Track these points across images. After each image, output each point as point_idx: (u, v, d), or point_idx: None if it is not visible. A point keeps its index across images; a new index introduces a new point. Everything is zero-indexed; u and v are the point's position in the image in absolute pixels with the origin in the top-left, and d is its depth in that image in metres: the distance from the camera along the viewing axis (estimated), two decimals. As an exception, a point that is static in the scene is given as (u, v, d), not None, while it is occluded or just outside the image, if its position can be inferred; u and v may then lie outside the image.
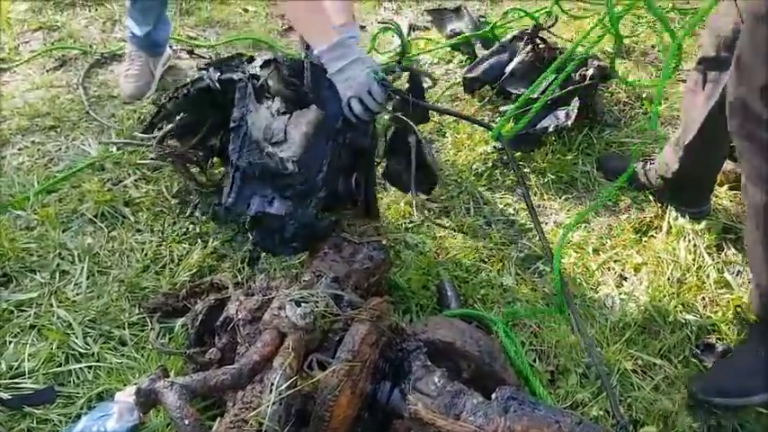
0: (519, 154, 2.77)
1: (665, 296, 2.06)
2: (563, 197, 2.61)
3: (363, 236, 1.85)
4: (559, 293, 1.93)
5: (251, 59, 1.98)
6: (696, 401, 1.77)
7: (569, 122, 2.67)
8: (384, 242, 1.85)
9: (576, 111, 2.68)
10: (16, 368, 1.80)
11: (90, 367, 1.84)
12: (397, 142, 2.02)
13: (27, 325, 1.94)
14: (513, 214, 2.53)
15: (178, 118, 2.24)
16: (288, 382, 1.33)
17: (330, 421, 1.41)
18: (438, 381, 1.50)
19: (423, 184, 2.09)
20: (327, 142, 1.82)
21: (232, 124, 1.82)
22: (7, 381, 1.76)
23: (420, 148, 1.95)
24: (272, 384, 1.32)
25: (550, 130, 2.68)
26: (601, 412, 1.75)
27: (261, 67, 1.90)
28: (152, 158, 2.53)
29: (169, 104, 2.28)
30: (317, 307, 1.47)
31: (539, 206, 2.57)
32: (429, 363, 1.54)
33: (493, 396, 1.47)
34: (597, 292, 2.15)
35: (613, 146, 2.82)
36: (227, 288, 1.84)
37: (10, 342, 1.87)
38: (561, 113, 2.70)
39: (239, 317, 1.58)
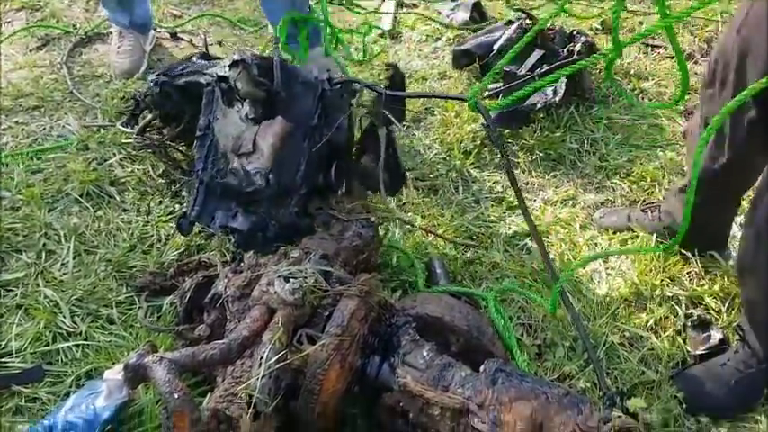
0: (507, 132, 2.77)
1: (651, 270, 2.08)
2: (551, 174, 2.61)
3: (352, 213, 1.84)
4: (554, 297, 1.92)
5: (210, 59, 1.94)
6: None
7: (557, 99, 2.67)
8: (373, 219, 1.85)
9: (563, 87, 2.68)
10: (3, 347, 1.79)
11: (78, 346, 1.83)
12: (368, 140, 1.99)
13: (14, 305, 1.92)
14: (502, 192, 2.53)
15: (158, 110, 2.23)
16: (277, 356, 1.33)
17: (320, 394, 1.42)
18: (427, 354, 1.51)
19: (392, 183, 2.06)
20: (304, 140, 1.79)
21: (198, 133, 1.78)
22: (-6, 360, 1.75)
23: (392, 144, 1.94)
24: (262, 358, 1.32)
25: (538, 106, 2.68)
26: (588, 384, 1.77)
27: (229, 67, 1.82)
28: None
29: (146, 99, 2.28)
30: (306, 282, 1.46)
31: (527, 183, 2.57)
32: (418, 337, 1.55)
33: (481, 368, 1.49)
34: (584, 268, 2.17)
35: (601, 122, 2.82)
36: (215, 266, 1.84)
37: (-4, 322, 1.86)
38: (549, 90, 2.70)
39: (228, 293, 1.57)
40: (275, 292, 1.45)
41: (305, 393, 1.42)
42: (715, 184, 1.85)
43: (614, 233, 2.28)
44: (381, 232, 2.11)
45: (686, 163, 2.15)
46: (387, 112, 1.78)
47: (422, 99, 2.93)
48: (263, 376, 1.28)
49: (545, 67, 2.69)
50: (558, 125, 2.79)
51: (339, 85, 1.84)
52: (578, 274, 2.14)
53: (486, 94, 2.85)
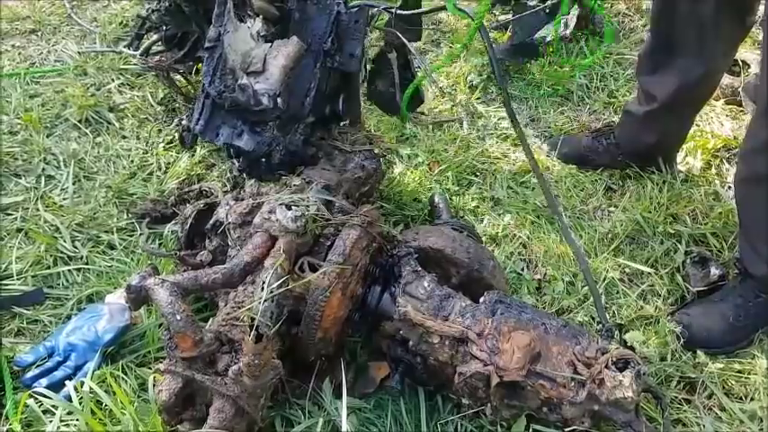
0: (515, 66, 2.71)
1: (654, 207, 2.06)
2: (558, 109, 2.57)
3: (356, 144, 1.81)
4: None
5: None
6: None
7: (568, 32, 2.60)
8: (376, 151, 1.82)
9: (574, 20, 2.61)
10: (4, 270, 1.79)
11: (79, 270, 1.83)
12: (381, 63, 1.93)
13: (14, 228, 1.92)
14: (507, 128, 2.49)
15: (163, 30, 2.16)
16: (279, 281, 1.33)
17: (321, 321, 1.43)
18: (427, 285, 1.51)
19: (410, 104, 2.01)
20: (315, 65, 1.72)
21: (207, 44, 1.70)
22: (-5, 282, 1.75)
23: (409, 65, 1.88)
24: (264, 283, 1.32)
25: (548, 39, 2.61)
26: (586, 318, 1.78)
27: None
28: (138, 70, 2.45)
29: (154, 16, 2.20)
30: (308, 211, 1.45)
31: (533, 119, 2.53)
32: (419, 268, 1.55)
33: (481, 300, 1.49)
34: (587, 205, 2.15)
35: (611, 57, 2.75)
36: (216, 195, 1.82)
37: (-4, 245, 1.86)
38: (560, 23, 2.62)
39: (230, 220, 1.56)
40: (277, 220, 1.44)
41: (307, 319, 1.43)
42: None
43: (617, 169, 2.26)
44: (384, 166, 2.09)
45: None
46: (400, 34, 1.72)
47: (428, 31, 2.85)
48: (264, 300, 1.28)
49: (556, -1, 2.61)
50: (567, 60, 2.72)
51: (355, 9, 1.77)
52: (581, 211, 2.13)
53: (495, 24, 2.77)
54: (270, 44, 1.64)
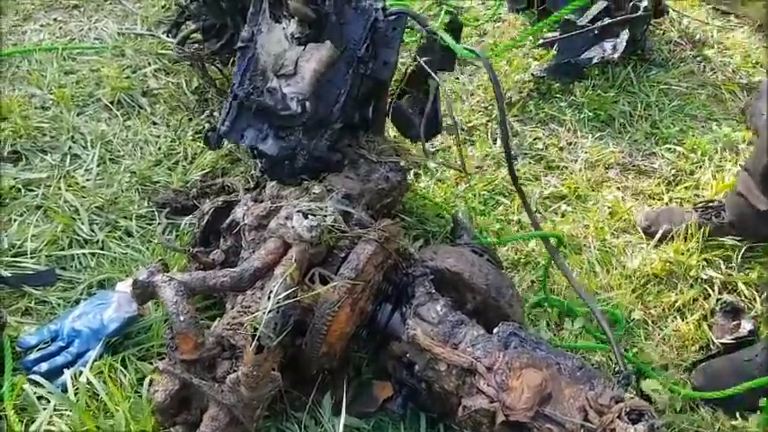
0: (557, 85, 2.63)
1: (688, 249, 1.97)
2: (597, 135, 2.49)
3: (382, 155, 1.76)
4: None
5: None
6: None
7: (616, 56, 2.52)
8: (402, 164, 1.77)
9: (624, 44, 2.52)
10: (19, 247, 1.78)
11: (93, 254, 1.81)
12: (413, 82, 1.86)
13: (33, 205, 1.91)
14: (542, 149, 2.42)
15: (202, 20, 2.14)
16: (287, 292, 1.29)
17: (327, 335, 1.38)
18: (440, 309, 1.46)
19: (427, 130, 1.88)
20: (348, 71, 1.67)
21: (240, 44, 1.66)
22: (9, 259, 1.74)
23: (436, 91, 1.82)
24: (271, 292, 1.28)
25: (595, 61, 2.53)
26: (604, 359, 1.71)
27: None
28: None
29: (192, 6, 2.18)
30: (325, 221, 1.41)
31: (569, 143, 2.45)
32: (433, 290, 1.49)
33: (495, 330, 1.43)
34: (618, 238, 2.07)
35: (658, 86, 2.66)
36: (237, 192, 1.79)
37: (15, 220, 1.85)
38: (608, 45, 2.54)
39: (246, 222, 1.53)
40: (292, 227, 1.39)
41: (312, 332, 1.39)
42: None
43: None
44: (410, 178, 2.04)
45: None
46: (427, 66, 1.66)
47: (470, 43, 2.79)
48: (270, 311, 1.24)
49: (606, 21, 2.53)
50: (613, 84, 2.65)
51: (393, 17, 1.72)
52: (611, 244, 2.05)
53: (540, 42, 2.70)
54: (303, 47, 1.60)
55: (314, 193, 1.52)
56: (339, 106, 1.68)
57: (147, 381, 1.41)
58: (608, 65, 2.61)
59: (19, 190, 1.95)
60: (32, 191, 1.95)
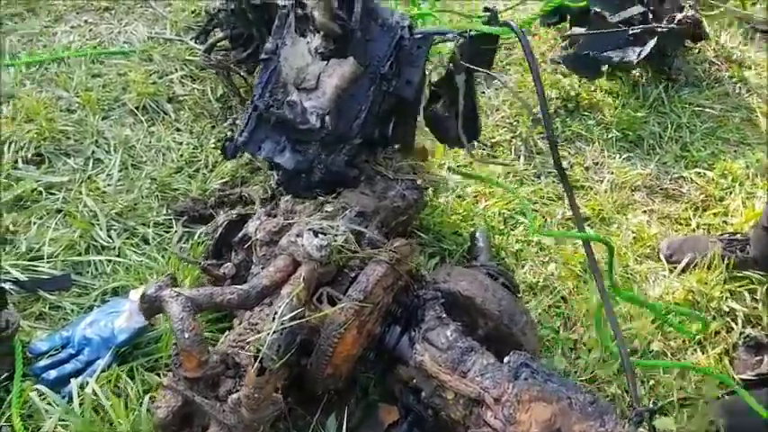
0: (586, 101, 2.58)
1: (711, 279, 1.91)
2: (624, 155, 2.43)
3: (399, 172, 1.74)
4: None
5: None
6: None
7: (634, 58, 2.45)
8: (419, 182, 1.74)
9: (648, 50, 2.45)
10: (36, 250, 1.80)
11: (109, 261, 1.82)
12: (445, 86, 1.84)
13: (54, 209, 1.93)
14: (567, 168, 2.37)
15: (230, 28, 2.15)
16: (292, 313, 1.27)
17: (332, 357, 1.36)
18: (450, 334, 1.43)
19: (466, 133, 1.84)
20: (370, 87, 1.65)
21: (263, 56, 1.66)
22: (25, 262, 1.76)
23: (471, 91, 1.78)
24: (276, 313, 1.26)
25: (614, 60, 2.48)
26: (619, 391, 1.66)
27: None
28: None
29: (221, 14, 2.19)
30: (335, 241, 1.39)
31: (596, 163, 2.40)
32: (444, 315, 1.46)
33: (505, 360, 1.40)
34: (641, 264, 2.02)
35: (690, 107, 2.59)
36: (254, 203, 1.78)
37: (34, 223, 1.87)
38: (632, 50, 2.49)
39: (258, 237, 1.52)
40: (302, 245, 1.38)
41: (318, 353, 1.37)
42: None
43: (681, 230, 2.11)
44: (430, 194, 2.01)
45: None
46: (466, 63, 1.63)
47: (498, 56, 2.75)
48: (273, 332, 1.23)
49: (639, 28, 2.48)
50: (643, 104, 2.58)
51: (419, 36, 1.69)
52: (634, 271, 1.99)
53: (567, 33, 2.65)
54: (326, 62, 1.59)
55: (326, 211, 1.50)
56: (359, 122, 1.66)
57: (147, 396, 1.40)
58: (627, 66, 2.53)
59: (40, 193, 1.97)
60: (53, 194, 1.97)
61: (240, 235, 1.58)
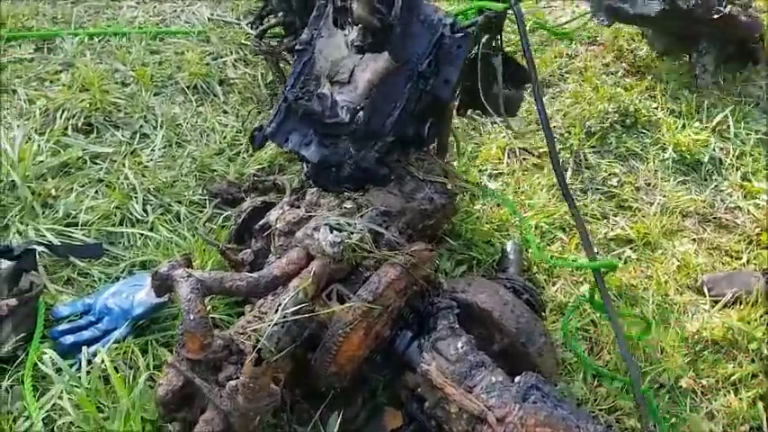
0: (645, 118, 2.46)
1: (753, 318, 1.79)
2: (679, 179, 2.31)
3: (430, 174, 1.69)
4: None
5: None
6: None
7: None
8: (450, 186, 1.69)
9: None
10: (73, 217, 1.84)
11: (141, 234, 1.85)
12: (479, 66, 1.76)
13: (96, 178, 1.98)
14: (616, 186, 2.27)
15: (282, 15, 2.15)
16: (296, 307, 1.26)
17: (336, 355, 1.34)
18: (461, 346, 1.38)
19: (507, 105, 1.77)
20: (406, 84, 1.61)
21: (298, 47, 1.65)
22: (61, 227, 1.80)
23: (508, 61, 1.72)
24: (280, 305, 1.25)
25: (645, 14, 2.41)
26: (638, 425, 1.57)
27: None
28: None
29: (273, 1, 2.20)
30: (351, 239, 1.36)
31: (647, 183, 2.29)
32: (456, 325, 1.42)
33: (516, 379, 1.34)
34: (682, 295, 1.91)
35: (756, 134, 2.43)
36: (286, 191, 1.78)
37: (75, 190, 1.92)
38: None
39: (277, 226, 1.51)
40: (317, 239, 1.36)
41: (322, 350, 1.35)
42: None
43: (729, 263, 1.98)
44: (466, 198, 1.96)
45: None
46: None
47: (558, 63, 2.66)
48: (274, 324, 1.22)
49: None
50: (706, 127, 2.45)
51: (460, 35, 1.64)
52: (672, 301, 1.89)
53: None
54: (361, 56, 1.56)
55: (345, 208, 1.48)
56: (393, 119, 1.63)
57: (146, 373, 1.42)
58: (702, 107, 2.41)
59: (85, 161, 2.02)
60: (97, 164, 2.03)
61: (261, 222, 1.58)
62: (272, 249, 1.51)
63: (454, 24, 1.61)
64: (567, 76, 2.65)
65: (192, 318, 1.25)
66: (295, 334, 1.29)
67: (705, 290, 1.91)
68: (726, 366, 1.71)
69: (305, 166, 1.73)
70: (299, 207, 1.56)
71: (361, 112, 1.60)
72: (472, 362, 1.36)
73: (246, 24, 2.52)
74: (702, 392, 1.67)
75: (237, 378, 1.26)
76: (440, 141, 1.78)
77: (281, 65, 2.27)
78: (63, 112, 2.13)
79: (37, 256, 1.66)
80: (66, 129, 2.10)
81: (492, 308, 1.46)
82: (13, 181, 1.87)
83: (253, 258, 1.58)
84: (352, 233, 1.37)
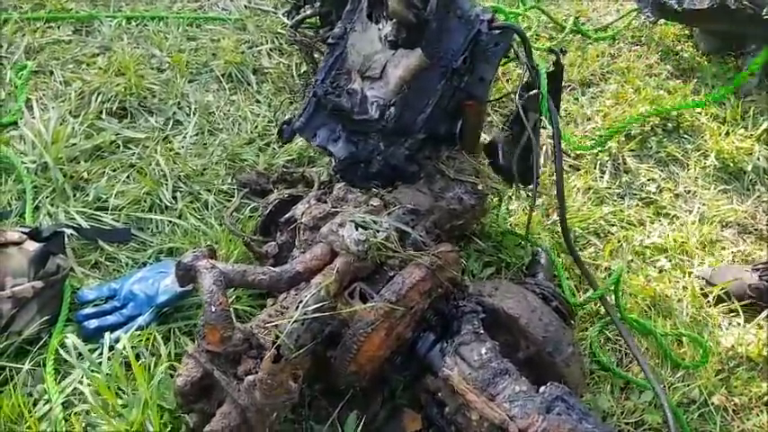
0: (687, 123, 2.38)
1: (796, 339, 1.72)
2: (720, 187, 2.23)
3: (461, 174, 1.65)
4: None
5: None
6: None
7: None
8: (480, 187, 1.65)
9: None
10: (103, 201, 1.85)
11: (170, 221, 1.85)
12: (513, 124, 1.73)
13: (128, 163, 1.98)
14: (655, 193, 2.20)
15: (317, 5, 2.13)
16: (318, 305, 1.24)
17: (356, 355, 1.32)
18: (485, 353, 1.35)
19: (524, 175, 1.74)
20: (440, 81, 1.57)
21: (330, 40, 1.62)
22: (91, 211, 1.81)
23: (536, 134, 1.66)
24: (301, 302, 1.23)
25: (693, 9, 2.34)
26: (666, 441, 1.52)
27: None
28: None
29: None
30: (376, 237, 1.34)
31: (687, 191, 2.21)
32: (481, 330, 1.38)
33: (540, 390, 1.30)
34: (716, 307, 1.84)
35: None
36: (313, 184, 1.76)
37: (106, 175, 1.92)
38: None
39: (303, 220, 1.49)
40: (342, 236, 1.34)
41: (343, 348, 1.33)
42: None
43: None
44: (496, 199, 1.92)
45: None
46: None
47: (600, 63, 2.59)
48: (294, 321, 1.20)
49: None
50: (751, 135, 2.35)
51: (498, 31, 1.59)
52: (707, 314, 1.82)
53: None
54: (394, 51, 1.52)
55: (372, 206, 1.45)
56: (424, 116, 1.59)
57: (165, 364, 1.41)
58: (748, 114, 2.31)
59: (118, 146, 2.03)
60: (130, 149, 2.03)
61: (287, 216, 1.56)
62: (296, 243, 1.49)
63: (492, 20, 1.56)
64: (609, 76, 2.57)
65: (213, 310, 1.24)
66: (315, 331, 1.26)
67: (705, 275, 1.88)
68: (760, 385, 1.65)
69: (333, 160, 1.71)
70: (325, 202, 1.54)
71: (391, 109, 1.56)
72: (496, 369, 1.33)
73: (283, 14, 2.50)
74: (734, 411, 1.61)
75: (256, 373, 1.25)
76: (469, 141, 1.73)
77: (316, 56, 2.24)
78: (98, 95, 2.14)
79: (65, 239, 1.67)
80: (101, 112, 2.11)
81: (519, 314, 1.42)
82: (45, 162, 1.89)
83: (277, 251, 1.57)
84: (377, 231, 1.35)
